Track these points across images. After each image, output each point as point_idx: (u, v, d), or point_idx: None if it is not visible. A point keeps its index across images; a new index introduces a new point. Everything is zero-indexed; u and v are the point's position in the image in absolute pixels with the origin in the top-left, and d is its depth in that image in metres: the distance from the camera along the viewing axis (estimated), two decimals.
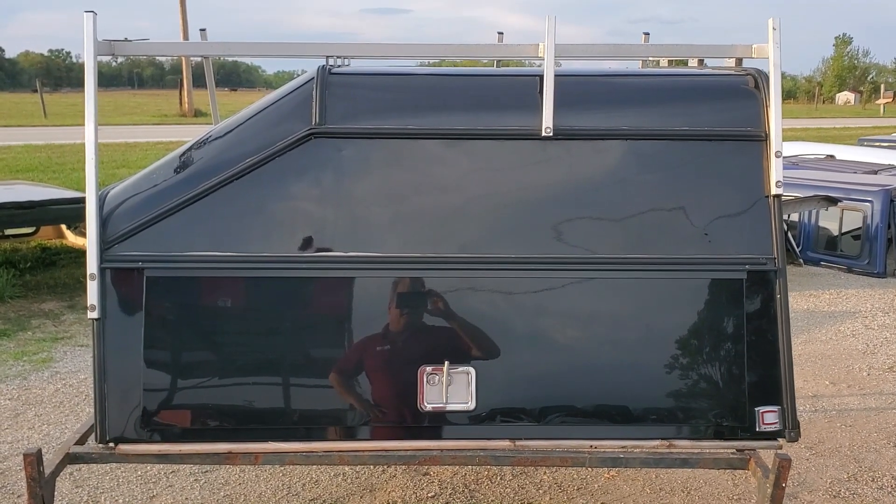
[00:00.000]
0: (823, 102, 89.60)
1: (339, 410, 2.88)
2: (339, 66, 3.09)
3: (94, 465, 3.90)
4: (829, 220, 9.12)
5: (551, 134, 2.86)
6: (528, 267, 2.86)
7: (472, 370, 2.85)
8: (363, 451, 2.88)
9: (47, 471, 2.80)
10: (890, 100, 79.70)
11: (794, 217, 9.24)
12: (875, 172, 10.42)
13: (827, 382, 5.47)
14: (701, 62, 3.49)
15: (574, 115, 2.91)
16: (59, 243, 9.42)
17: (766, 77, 2.92)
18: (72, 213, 7.65)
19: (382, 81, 3.07)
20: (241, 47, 3.19)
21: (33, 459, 2.73)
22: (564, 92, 2.87)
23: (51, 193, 7.95)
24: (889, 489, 3.97)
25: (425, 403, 2.85)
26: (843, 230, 9.03)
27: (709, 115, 2.96)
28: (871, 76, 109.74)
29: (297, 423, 2.87)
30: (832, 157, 12.50)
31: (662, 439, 2.90)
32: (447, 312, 2.86)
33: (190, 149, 3.00)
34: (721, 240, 2.88)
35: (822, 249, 9.16)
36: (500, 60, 3.85)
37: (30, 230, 9.37)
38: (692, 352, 2.88)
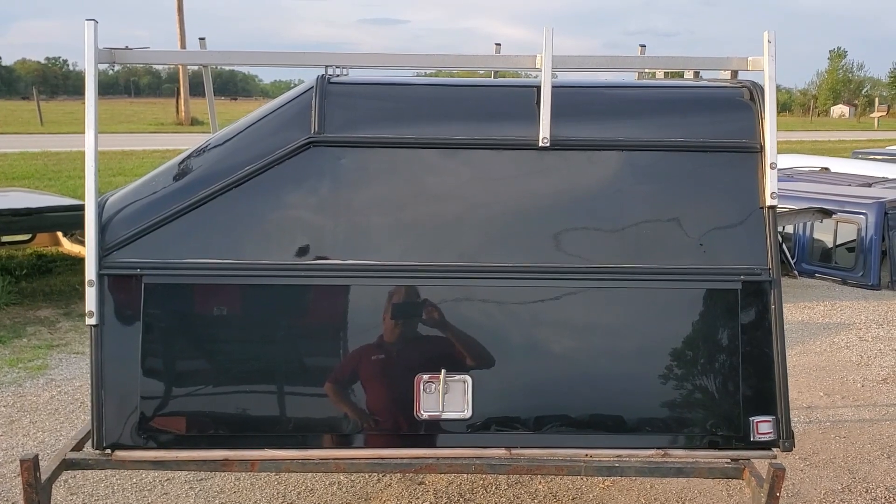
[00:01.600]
0: (818, 115, 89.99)
1: (335, 418, 2.89)
2: (337, 75, 3.11)
3: (89, 472, 3.91)
4: (824, 233, 9.17)
5: (548, 144, 2.88)
6: (525, 276, 2.87)
7: (468, 378, 2.86)
8: (359, 458, 2.88)
9: (44, 477, 2.80)
10: (884, 113, 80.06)
11: (789, 229, 9.28)
12: (869, 185, 10.48)
13: (821, 394, 5.49)
14: (697, 74, 3.52)
15: (571, 125, 2.93)
16: (55, 251, 9.41)
17: (762, 89, 2.95)
18: (68, 220, 7.64)
19: (381, 91, 3.08)
20: (242, 56, 3.21)
21: (30, 465, 2.73)
22: (561, 103, 2.89)
23: (47, 201, 7.96)
24: (883, 500, 3.98)
25: (422, 411, 2.86)
26: (838, 242, 9.08)
27: (705, 126, 2.98)
28: (865, 90, 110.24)
29: (293, 430, 2.87)
30: (827, 169, 12.57)
31: (657, 448, 2.91)
32: (444, 321, 2.87)
33: (189, 156, 3.01)
34: (716, 250, 2.90)
35: (817, 261, 9.20)
36: (497, 71, 3.87)
37: (26, 237, 9.36)
38: (687, 361, 2.89)
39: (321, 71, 3.06)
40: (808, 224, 9.12)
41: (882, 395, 5.48)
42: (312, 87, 2.95)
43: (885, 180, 11.08)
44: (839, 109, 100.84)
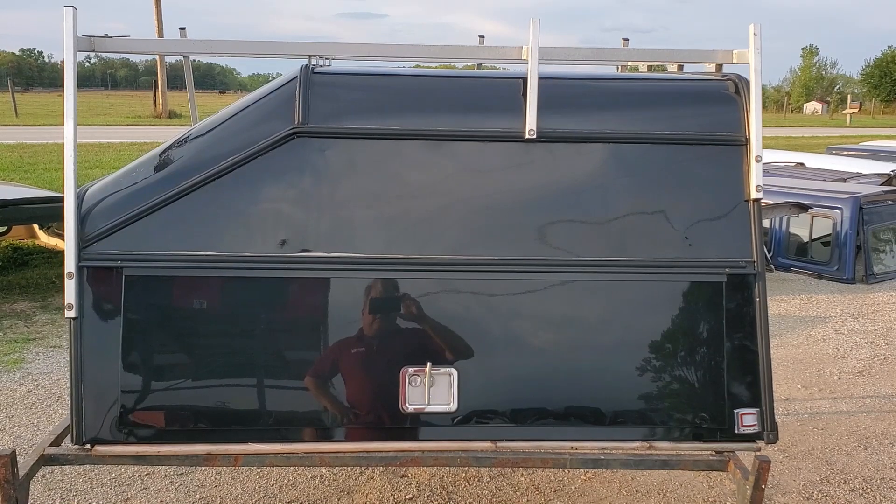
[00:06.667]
0: (792, 112, 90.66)
1: (320, 412, 2.86)
2: (320, 66, 3.08)
3: (68, 467, 3.85)
4: (800, 227, 9.25)
5: (535, 136, 2.87)
6: (511, 269, 2.86)
7: (454, 371, 2.85)
8: (344, 452, 2.87)
9: (21, 473, 2.75)
10: (856, 110, 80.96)
11: (766, 223, 9.35)
12: (844, 180, 10.59)
13: (799, 386, 5.54)
14: (680, 68, 3.53)
15: (557, 117, 2.92)
16: (31, 243, 9.27)
17: (747, 82, 2.96)
18: (44, 212, 7.52)
19: (366, 81, 3.06)
20: (223, 45, 3.17)
21: (7, 461, 2.68)
22: (548, 95, 2.88)
23: (23, 193, 7.84)
24: (860, 491, 4.02)
25: (407, 405, 2.84)
26: (814, 237, 9.17)
27: (690, 119, 2.99)
28: (838, 87, 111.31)
29: (277, 424, 2.85)
30: (802, 164, 12.68)
31: (642, 441, 2.92)
32: (430, 314, 2.85)
33: (170, 147, 2.97)
34: (701, 243, 2.91)
35: (793, 255, 9.28)
36: (482, 63, 3.86)
37: (1, 230, 9.21)
38: (672, 354, 2.90)
39: (300, 64, 3.02)
40: (785, 218, 9.19)
41: (858, 388, 5.54)
42: (296, 77, 2.91)
43: (860, 175, 11.22)
44: (812, 106, 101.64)
